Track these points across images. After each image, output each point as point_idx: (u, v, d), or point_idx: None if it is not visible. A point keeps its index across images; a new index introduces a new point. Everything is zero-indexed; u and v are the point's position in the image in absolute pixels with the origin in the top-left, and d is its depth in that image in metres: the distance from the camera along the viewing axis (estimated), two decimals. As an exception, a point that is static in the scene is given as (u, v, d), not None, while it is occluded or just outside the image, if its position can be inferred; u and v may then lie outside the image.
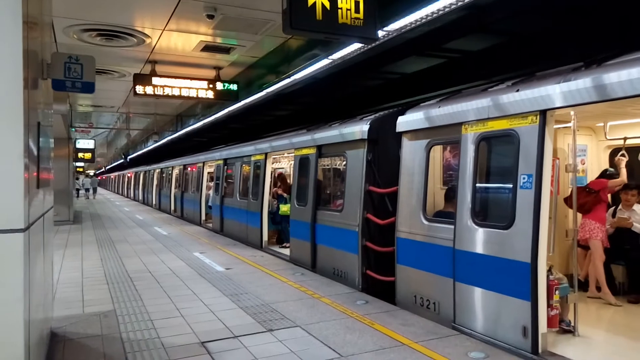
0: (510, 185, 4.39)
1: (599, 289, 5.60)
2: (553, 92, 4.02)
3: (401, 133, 5.91)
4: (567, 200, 5.63)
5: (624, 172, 5.70)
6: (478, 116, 4.74)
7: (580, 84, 3.82)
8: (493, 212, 4.80)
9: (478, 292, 4.61)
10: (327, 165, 7.86)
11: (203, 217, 15.60)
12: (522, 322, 4.14)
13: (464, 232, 4.79)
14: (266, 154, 10.25)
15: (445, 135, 5.30)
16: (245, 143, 12.41)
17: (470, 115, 4.84)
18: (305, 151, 8.30)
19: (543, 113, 4.11)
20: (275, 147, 9.90)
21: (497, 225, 4.47)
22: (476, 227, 4.67)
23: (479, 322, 4.59)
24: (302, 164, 8.40)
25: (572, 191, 4.92)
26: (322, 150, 7.83)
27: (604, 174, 5.87)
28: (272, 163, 10.81)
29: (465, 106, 4.92)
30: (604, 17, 5.61)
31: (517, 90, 4.36)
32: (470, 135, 4.83)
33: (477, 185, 4.80)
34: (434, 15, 4.90)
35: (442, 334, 4.60)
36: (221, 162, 13.45)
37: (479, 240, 4.63)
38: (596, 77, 3.73)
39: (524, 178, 4.23)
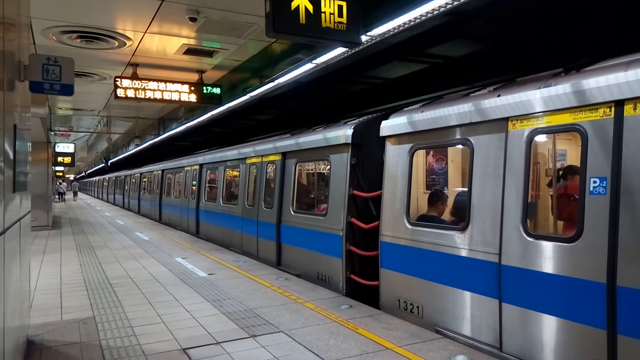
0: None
1: None
2: (534, 98, 4.08)
3: (385, 137, 5.93)
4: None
5: None
6: (460, 121, 4.79)
7: (560, 90, 3.89)
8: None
9: (550, 320, 3.94)
10: (312, 170, 7.84)
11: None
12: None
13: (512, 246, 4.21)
14: (245, 158, 10.29)
15: (429, 139, 5.33)
16: (228, 147, 12.34)
17: (452, 120, 4.88)
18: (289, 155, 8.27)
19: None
20: (259, 152, 9.86)
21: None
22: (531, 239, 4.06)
23: None
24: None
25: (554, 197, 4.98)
26: (306, 154, 7.81)
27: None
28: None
29: (449, 110, 4.96)
30: (582, 24, 5.72)
31: (499, 95, 4.42)
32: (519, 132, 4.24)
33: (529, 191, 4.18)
34: (417, 20, 4.95)
35: (425, 337, 4.62)
36: (217, 164, 13.34)
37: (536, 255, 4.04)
38: (575, 83, 3.80)
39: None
